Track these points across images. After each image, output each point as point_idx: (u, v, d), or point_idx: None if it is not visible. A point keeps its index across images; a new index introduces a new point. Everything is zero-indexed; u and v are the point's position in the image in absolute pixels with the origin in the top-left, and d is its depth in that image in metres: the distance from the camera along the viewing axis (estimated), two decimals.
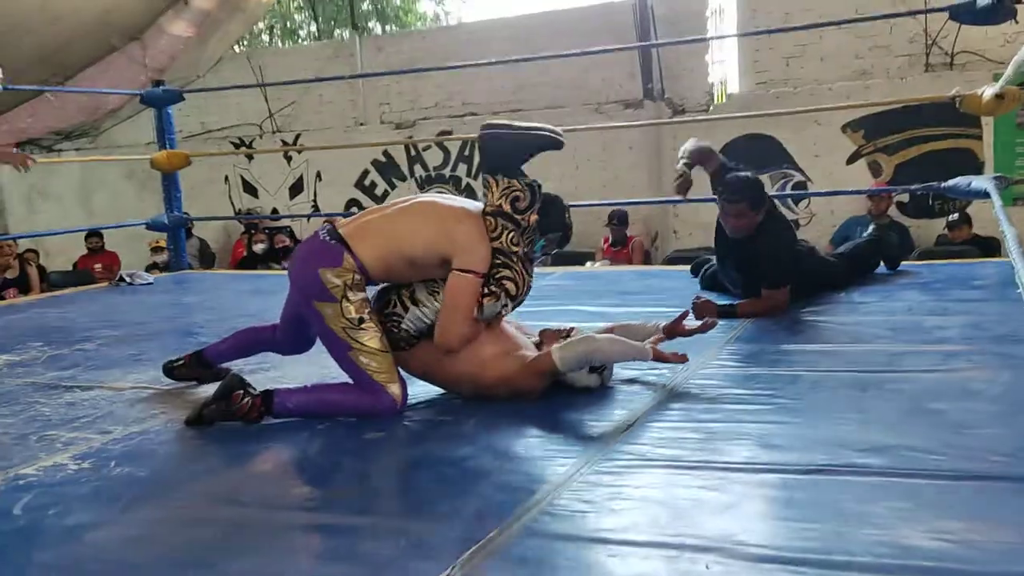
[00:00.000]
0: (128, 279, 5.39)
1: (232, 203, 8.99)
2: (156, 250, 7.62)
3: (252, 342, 2.80)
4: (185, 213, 6.00)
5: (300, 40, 10.84)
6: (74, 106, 8.26)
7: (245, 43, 9.47)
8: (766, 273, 3.29)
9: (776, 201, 3.65)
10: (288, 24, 10.75)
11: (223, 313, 4.20)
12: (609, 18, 7.33)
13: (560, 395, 2.47)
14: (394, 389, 2.26)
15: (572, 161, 6.95)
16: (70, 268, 8.27)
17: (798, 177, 7.18)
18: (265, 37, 10.67)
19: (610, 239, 7.17)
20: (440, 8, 12.44)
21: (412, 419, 2.29)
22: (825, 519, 1.49)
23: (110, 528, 1.68)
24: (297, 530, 1.63)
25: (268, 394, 2.28)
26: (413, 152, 8.22)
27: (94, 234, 8.15)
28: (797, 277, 3.34)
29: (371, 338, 2.25)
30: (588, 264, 6.68)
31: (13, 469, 2.05)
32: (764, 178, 7.14)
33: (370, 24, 9.58)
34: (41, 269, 7.82)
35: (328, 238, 2.32)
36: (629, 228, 7.15)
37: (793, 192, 7.10)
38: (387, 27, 10.26)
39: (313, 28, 10.68)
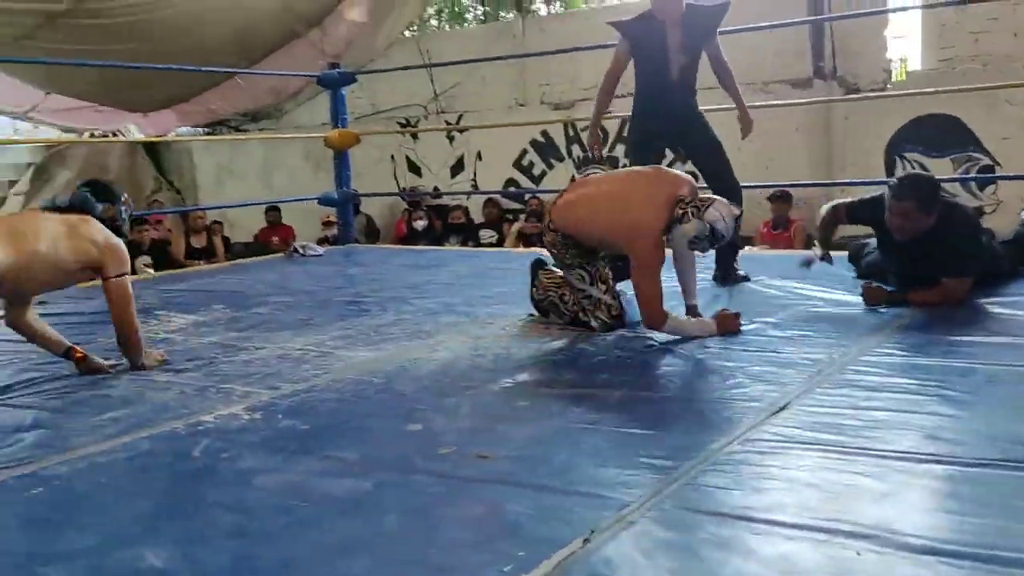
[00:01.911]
0: (301, 250, 5.73)
1: (397, 181, 9.34)
2: (327, 224, 8.04)
3: None
4: (353, 190, 6.28)
5: (467, 23, 11.06)
6: (259, 89, 8.81)
7: (415, 28, 9.76)
8: (949, 263, 3.04)
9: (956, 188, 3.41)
10: (456, 8, 11.00)
11: (384, 284, 4.39)
12: None
13: (710, 371, 2.43)
14: None
15: (733, 141, 6.74)
16: (251, 240, 8.87)
17: (984, 160, 6.64)
18: (434, 22, 10.95)
19: (771, 223, 6.91)
20: None
21: (555, 390, 2.31)
22: (990, 514, 1.39)
23: (275, 474, 1.81)
24: (438, 488, 1.69)
25: None
26: (571, 132, 8.23)
27: (273, 208, 8.70)
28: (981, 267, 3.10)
29: None
30: (746, 248, 6.46)
31: (194, 416, 2.24)
32: (945, 162, 6.69)
33: (534, 6, 9.65)
34: (225, 240, 8.44)
35: None
36: (792, 211, 6.87)
37: (978, 175, 6.57)
38: (551, 8, 10.30)
39: (480, 11, 10.86)
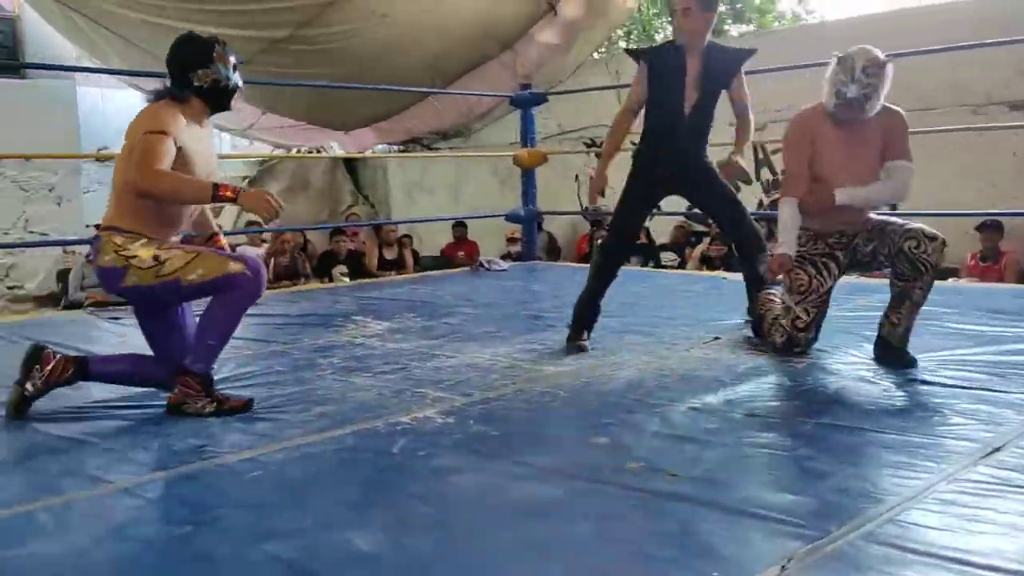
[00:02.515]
0: (487, 265, 5.92)
1: (580, 201, 9.43)
2: (511, 240, 8.24)
3: None
4: (538, 208, 6.42)
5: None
6: (452, 109, 9.20)
7: (604, 49, 9.86)
8: None
9: None
10: (645, 29, 11.02)
11: (567, 301, 4.43)
12: (996, 8, 6.54)
13: (914, 406, 2.30)
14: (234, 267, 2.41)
15: (945, 166, 6.33)
16: (438, 253, 9.24)
17: None
18: (622, 43, 11.02)
19: (980, 254, 6.41)
20: (801, 7, 12.01)
21: (744, 415, 2.26)
22: None
23: (469, 474, 1.89)
24: (628, 501, 1.70)
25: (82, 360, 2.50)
26: (760, 155, 8.00)
27: (460, 224, 9.04)
28: None
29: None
30: (951, 280, 6.03)
31: (393, 416, 2.37)
32: None
33: (725, 26, 9.49)
34: (414, 253, 8.84)
35: None
36: (1003, 242, 6.34)
37: None
38: (742, 28, 10.11)
39: (669, 32, 10.85)
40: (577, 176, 9.42)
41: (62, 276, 8.12)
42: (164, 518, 1.70)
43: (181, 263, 2.42)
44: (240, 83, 2.64)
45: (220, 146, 10.38)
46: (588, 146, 9.20)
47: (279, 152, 10.70)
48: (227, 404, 2.46)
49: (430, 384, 2.73)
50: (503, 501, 1.71)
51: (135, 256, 2.42)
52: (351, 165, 11.15)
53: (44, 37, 8.92)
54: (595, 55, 9.41)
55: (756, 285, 3.31)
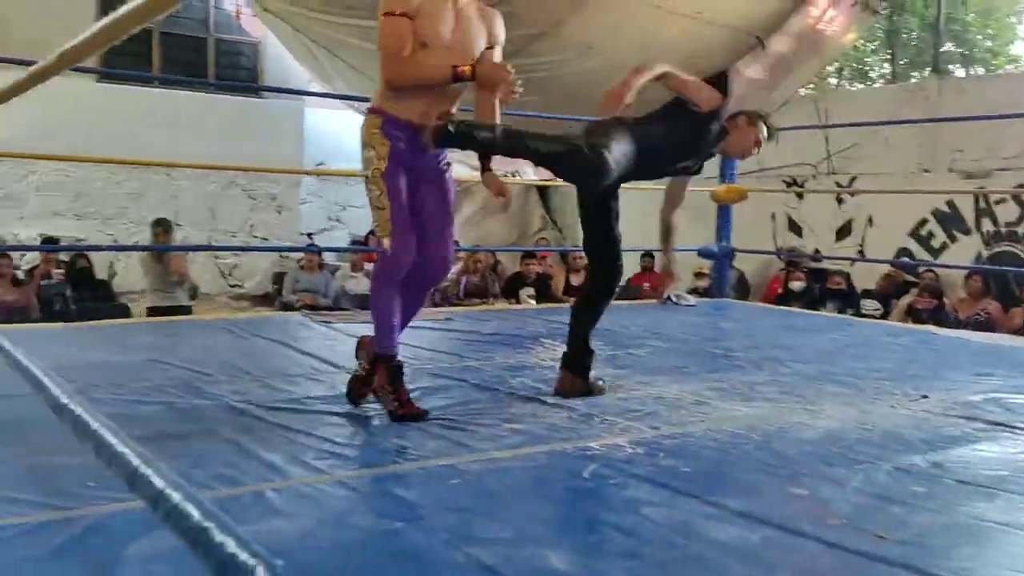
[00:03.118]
0: (675, 299, 5.87)
1: (775, 240, 9.16)
2: (699, 275, 8.13)
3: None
4: (732, 245, 6.30)
5: (870, 82, 10.56)
6: None
7: (812, 86, 9.55)
8: None
9: None
10: (859, 66, 10.56)
11: (758, 341, 4.35)
12: None
13: None
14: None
15: None
16: (624, 284, 9.26)
17: None
18: (833, 80, 10.63)
19: None
20: None
21: (954, 479, 2.12)
22: None
23: (662, 508, 1.89)
24: (830, 559, 1.64)
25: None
26: (983, 204, 7.46)
27: (648, 255, 9.00)
28: None
29: None
30: None
31: (581, 441, 2.41)
32: None
33: (951, 67, 8.93)
34: None
35: None
36: None
37: None
38: (970, 70, 9.47)
39: (886, 69, 10.33)
40: (774, 215, 9.16)
41: (277, 279, 8.82)
42: (376, 512, 1.83)
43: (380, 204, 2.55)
44: None
45: None
46: (788, 185, 8.92)
47: (475, 175, 11.13)
48: (405, 409, 2.58)
49: (618, 413, 2.75)
50: (697, 540, 1.70)
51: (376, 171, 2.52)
52: (543, 191, 11.40)
53: (281, 61, 9.77)
54: (802, 91, 9.13)
55: None
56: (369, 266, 7.43)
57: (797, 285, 8.06)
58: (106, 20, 1.33)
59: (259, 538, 1.61)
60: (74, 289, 6.64)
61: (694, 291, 7.76)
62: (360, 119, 2.74)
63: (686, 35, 7.74)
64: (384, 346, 2.64)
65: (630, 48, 7.75)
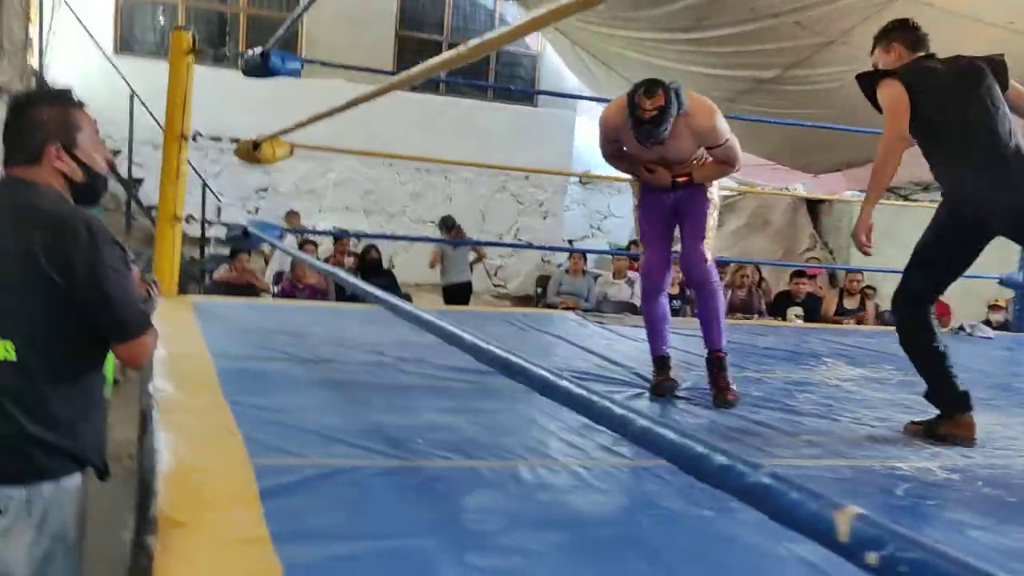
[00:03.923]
0: (968, 330, 5.41)
1: None
2: (993, 308, 7.42)
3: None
4: None
5: None
6: None
7: None
8: None
9: None
10: None
11: None
12: None
13: None
14: None
15: None
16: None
17: None
18: None
19: None
20: None
21: None
22: None
23: (992, 534, 1.78)
24: None
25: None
26: None
27: None
28: None
29: None
30: None
31: (888, 460, 2.32)
32: None
33: None
34: (876, 307, 8.37)
35: None
36: None
37: None
38: None
39: None
40: None
41: (542, 281, 9.18)
42: (686, 498, 1.88)
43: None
44: None
45: None
46: None
47: (743, 187, 10.90)
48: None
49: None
50: None
51: None
52: (813, 208, 10.93)
53: (557, 73, 10.17)
54: None
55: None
56: (632, 274, 7.53)
57: None
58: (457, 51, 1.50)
59: (581, 509, 1.73)
60: (363, 276, 7.32)
61: (986, 323, 7.10)
62: None
63: (995, 47, 7.08)
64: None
65: None
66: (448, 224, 8.57)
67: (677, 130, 2.80)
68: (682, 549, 1.62)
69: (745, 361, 3.84)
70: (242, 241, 4.20)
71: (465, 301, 7.89)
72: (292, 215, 8.98)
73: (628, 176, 3.15)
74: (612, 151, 3.06)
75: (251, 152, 4.07)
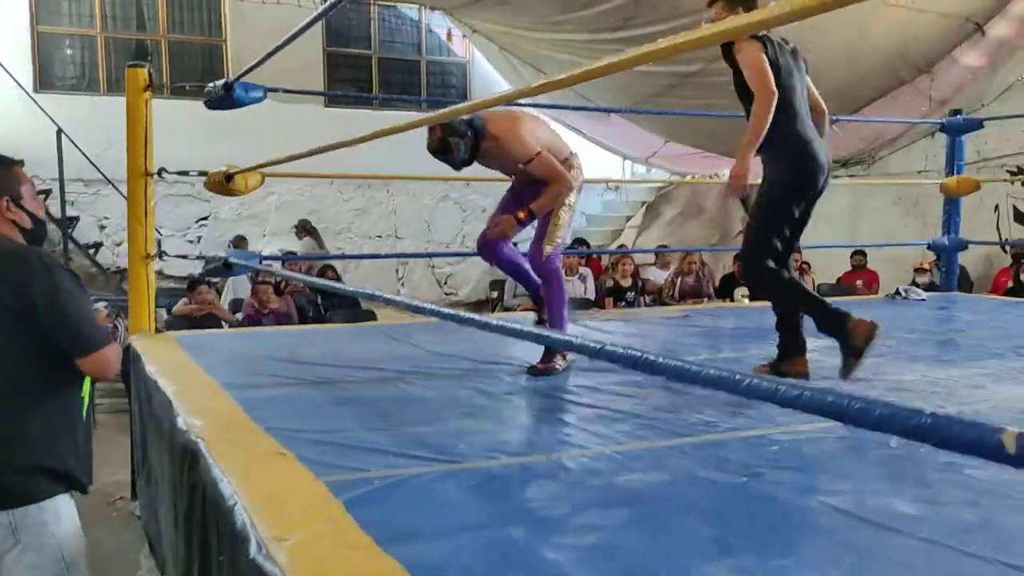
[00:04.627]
0: (903, 293, 5.82)
1: (999, 232, 8.74)
2: (919, 271, 7.91)
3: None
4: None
5: None
6: (854, 137, 9.05)
7: None
8: None
9: None
10: None
11: (1009, 332, 4.29)
12: None
13: None
14: None
15: None
16: (834, 282, 9.12)
17: None
18: None
19: None
20: None
21: None
22: None
23: (989, 470, 2.04)
24: None
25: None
26: None
27: (859, 252, 8.84)
28: None
29: None
30: None
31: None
32: None
33: None
34: (812, 281, 8.82)
35: None
36: None
37: None
38: None
39: None
40: (998, 206, 8.76)
41: (495, 285, 9.36)
42: (718, 469, 2.10)
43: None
44: None
45: (623, 173, 11.23)
46: (1013, 174, 8.51)
47: (675, 178, 11.29)
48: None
49: (898, 391, 2.89)
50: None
51: None
52: None
53: (487, 79, 10.37)
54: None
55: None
56: (584, 270, 7.78)
57: None
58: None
59: (636, 487, 1.93)
60: (323, 297, 7.39)
61: (914, 286, 7.58)
62: (555, 126, 3.63)
63: (899, 25, 7.59)
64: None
65: (840, 44, 7.70)
66: (307, 228, 8.82)
67: (490, 151, 3.31)
68: (731, 510, 1.83)
69: (719, 343, 4.09)
70: (224, 272, 4.27)
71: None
72: (240, 241, 8.96)
73: None
74: None
75: (223, 184, 4.14)
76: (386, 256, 10.10)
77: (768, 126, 2.88)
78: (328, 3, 2.46)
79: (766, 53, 2.93)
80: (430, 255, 10.36)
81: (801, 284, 3.17)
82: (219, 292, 8.16)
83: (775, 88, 2.86)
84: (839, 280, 8.95)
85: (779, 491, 1.92)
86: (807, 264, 9.02)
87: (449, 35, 10.80)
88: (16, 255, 2.05)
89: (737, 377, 1.03)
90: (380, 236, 10.20)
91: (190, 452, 2.36)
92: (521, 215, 3.31)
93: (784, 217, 3.03)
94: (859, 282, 8.45)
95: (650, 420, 2.59)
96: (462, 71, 11.02)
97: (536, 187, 3.34)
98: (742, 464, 2.12)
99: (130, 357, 3.95)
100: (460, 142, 3.23)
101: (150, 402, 3.25)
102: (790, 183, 3.01)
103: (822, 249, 9.79)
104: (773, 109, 2.87)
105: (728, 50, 3.00)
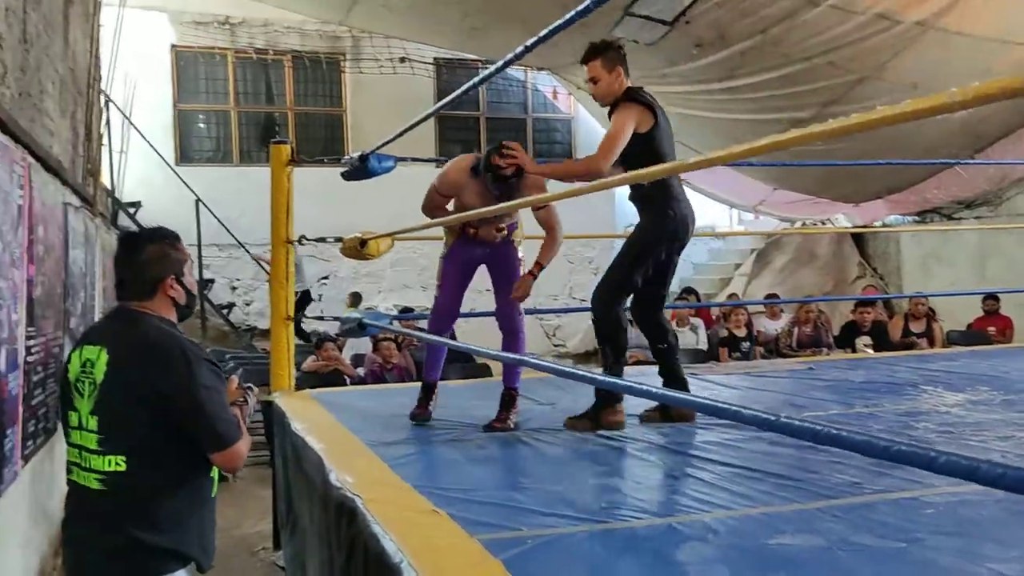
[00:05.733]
0: None
1: None
2: None
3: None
4: None
5: None
6: (980, 177, 8.74)
7: None
8: None
9: None
10: None
11: None
12: None
13: None
14: None
15: None
16: (964, 328, 8.73)
17: None
18: None
19: None
20: None
21: None
22: None
23: None
24: None
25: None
26: None
27: (991, 297, 8.44)
28: None
29: None
30: None
31: None
32: None
33: None
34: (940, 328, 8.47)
35: None
36: None
37: None
38: None
39: None
40: None
41: None
42: (872, 533, 2.07)
43: None
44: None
45: (729, 222, 11.14)
46: None
47: (784, 226, 11.11)
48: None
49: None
50: None
51: None
52: (859, 237, 11.11)
53: (592, 134, 10.53)
54: None
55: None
56: (696, 320, 7.72)
57: None
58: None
59: (777, 552, 1.92)
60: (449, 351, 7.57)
61: None
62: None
63: None
64: None
65: (966, 82, 7.42)
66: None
67: (527, 185, 3.44)
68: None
69: (848, 397, 4.00)
70: (358, 333, 4.46)
71: None
72: (356, 298, 9.31)
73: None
74: (439, 203, 3.66)
75: (358, 249, 4.35)
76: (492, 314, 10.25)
77: (579, 181, 3.20)
78: (482, 75, 2.64)
79: (656, 120, 3.20)
80: (536, 311, 10.47)
81: (625, 342, 3.43)
82: (340, 348, 8.49)
83: (607, 168, 3.12)
84: (969, 326, 8.57)
85: (941, 557, 1.88)
86: (932, 311, 8.69)
87: (555, 93, 11.05)
88: (159, 348, 2.11)
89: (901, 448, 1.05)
90: (488, 290, 10.38)
91: (347, 509, 2.46)
92: (534, 271, 3.52)
93: (643, 262, 3.33)
94: (992, 328, 8.07)
95: (791, 480, 2.56)
96: (567, 127, 11.24)
97: (506, 248, 3.60)
98: (897, 528, 2.09)
99: (273, 414, 4.16)
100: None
101: (297, 458, 3.41)
102: (651, 239, 3.33)
103: (950, 297, 9.47)
104: (590, 179, 3.11)
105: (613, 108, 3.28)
